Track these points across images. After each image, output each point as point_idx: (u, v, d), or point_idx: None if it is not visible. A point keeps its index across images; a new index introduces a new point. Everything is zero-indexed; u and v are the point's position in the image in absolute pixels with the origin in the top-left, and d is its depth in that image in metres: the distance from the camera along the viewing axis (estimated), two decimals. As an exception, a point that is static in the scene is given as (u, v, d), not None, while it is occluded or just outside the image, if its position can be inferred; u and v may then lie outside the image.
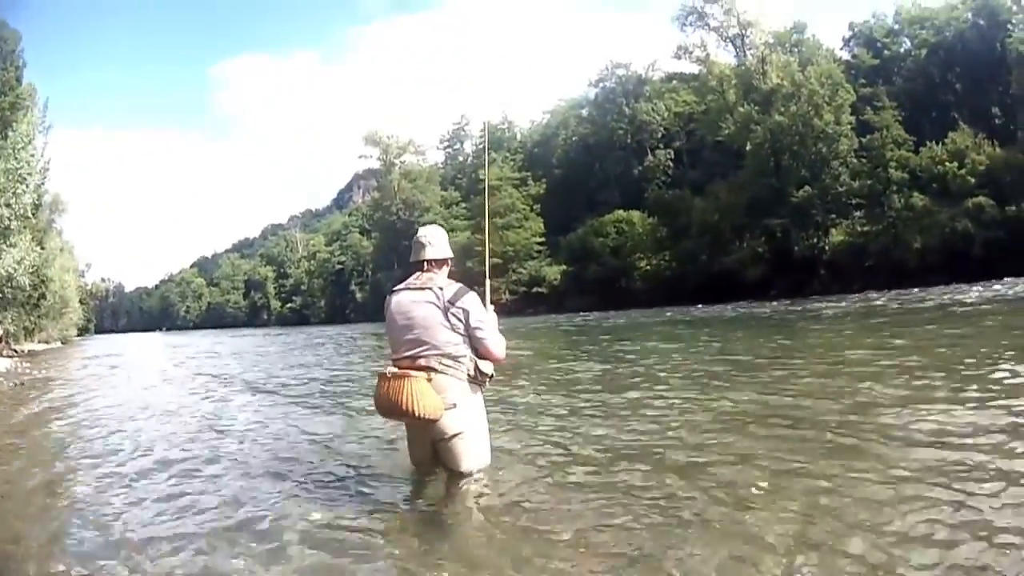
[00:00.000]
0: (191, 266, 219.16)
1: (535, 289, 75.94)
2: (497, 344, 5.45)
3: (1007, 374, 8.33)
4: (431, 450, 5.47)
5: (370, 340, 34.52)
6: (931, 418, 6.37)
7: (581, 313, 51.85)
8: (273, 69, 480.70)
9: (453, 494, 5.21)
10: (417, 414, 5.03)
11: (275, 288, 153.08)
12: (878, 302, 30.24)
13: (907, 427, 6.18)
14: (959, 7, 60.76)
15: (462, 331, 5.27)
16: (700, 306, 44.72)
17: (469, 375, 5.30)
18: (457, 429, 5.24)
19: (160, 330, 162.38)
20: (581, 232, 74.00)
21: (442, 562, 4.02)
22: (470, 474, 5.38)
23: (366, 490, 5.63)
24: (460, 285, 5.35)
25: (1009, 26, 54.43)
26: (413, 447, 5.66)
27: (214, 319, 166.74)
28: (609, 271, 67.99)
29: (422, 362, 5.21)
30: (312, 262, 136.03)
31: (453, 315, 5.21)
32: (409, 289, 5.40)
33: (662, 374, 12.11)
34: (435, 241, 5.51)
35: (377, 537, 4.51)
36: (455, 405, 5.17)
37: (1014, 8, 55.79)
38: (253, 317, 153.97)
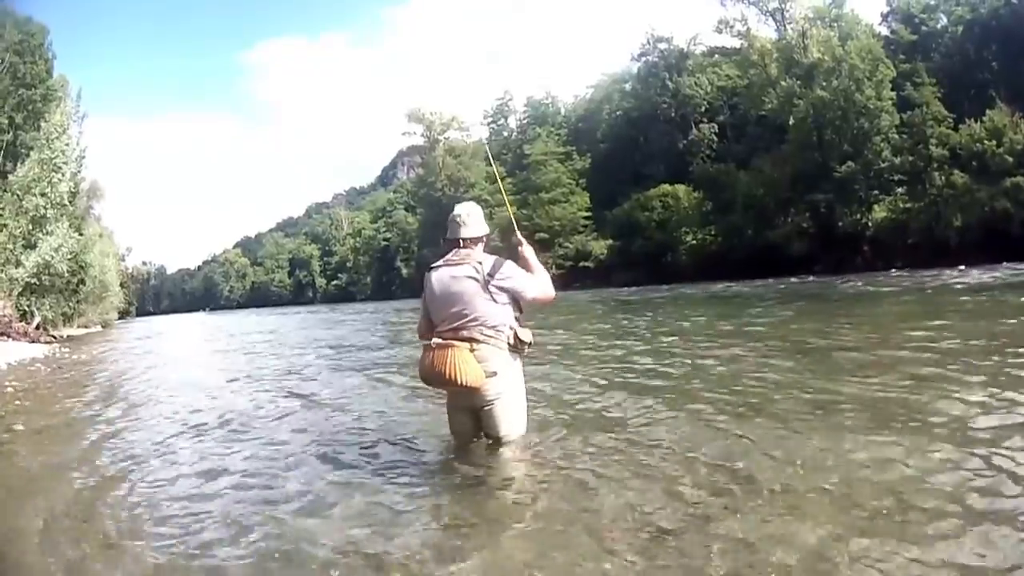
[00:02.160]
0: (234, 246, 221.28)
1: (582, 263, 76.67)
2: (543, 287, 5.73)
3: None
4: (471, 419, 5.74)
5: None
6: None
7: (627, 288, 52.42)
8: (309, 52, 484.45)
9: (491, 463, 5.50)
10: (461, 382, 5.31)
11: (320, 266, 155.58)
12: (933, 281, 28.34)
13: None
14: None
15: (504, 301, 5.50)
16: (756, 281, 44.54)
17: (509, 344, 5.55)
18: (497, 394, 5.51)
19: (204, 310, 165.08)
20: (627, 206, 74.18)
21: (473, 531, 4.25)
22: (508, 439, 5.66)
23: (406, 457, 6.08)
24: (496, 257, 5.60)
25: None
26: (454, 417, 5.90)
27: (259, 298, 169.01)
28: (655, 246, 68.31)
29: (464, 333, 5.46)
30: (357, 239, 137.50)
31: (494, 287, 5.43)
32: (448, 265, 5.62)
33: (706, 347, 12.25)
34: (471, 220, 5.70)
35: (414, 504, 4.81)
36: (496, 373, 5.45)
37: None
38: (298, 295, 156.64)
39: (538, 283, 5.72)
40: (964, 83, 57.91)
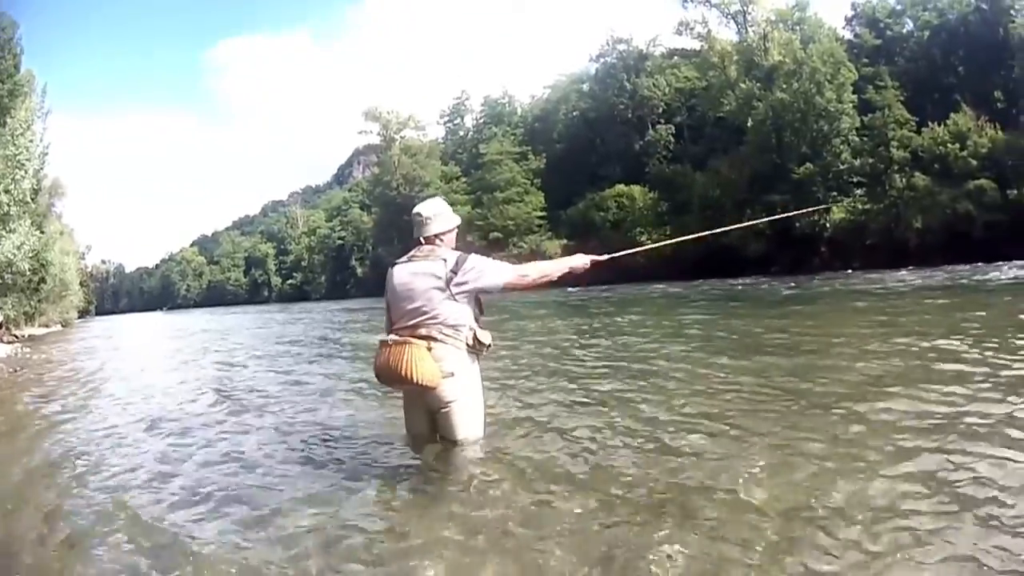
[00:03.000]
0: (191, 245, 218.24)
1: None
2: (520, 269, 5.59)
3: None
4: (428, 420, 5.55)
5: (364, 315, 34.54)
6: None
7: (579, 288, 50.66)
8: (270, 49, 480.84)
9: (447, 466, 5.27)
10: (415, 380, 5.11)
11: (276, 265, 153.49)
12: (884, 281, 28.82)
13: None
14: None
15: (465, 300, 5.36)
16: (711, 280, 44.80)
17: (468, 344, 5.38)
18: (454, 397, 5.33)
19: (161, 310, 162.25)
20: (582, 206, 73.70)
21: (429, 539, 4.02)
22: (465, 443, 5.46)
23: (359, 459, 5.80)
24: (460, 253, 5.43)
25: (1012, 11, 53.55)
26: (410, 416, 5.74)
27: (215, 297, 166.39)
28: (609, 245, 64.25)
29: (422, 331, 5.28)
30: (312, 238, 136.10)
31: (456, 285, 5.28)
32: (412, 261, 5.48)
33: (664, 350, 11.91)
34: (434, 216, 5.57)
35: (366, 508, 4.63)
36: (453, 374, 5.26)
37: None
38: (254, 294, 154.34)
39: (508, 269, 5.55)
40: (928, 87, 58.21)
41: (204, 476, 5.61)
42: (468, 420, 5.46)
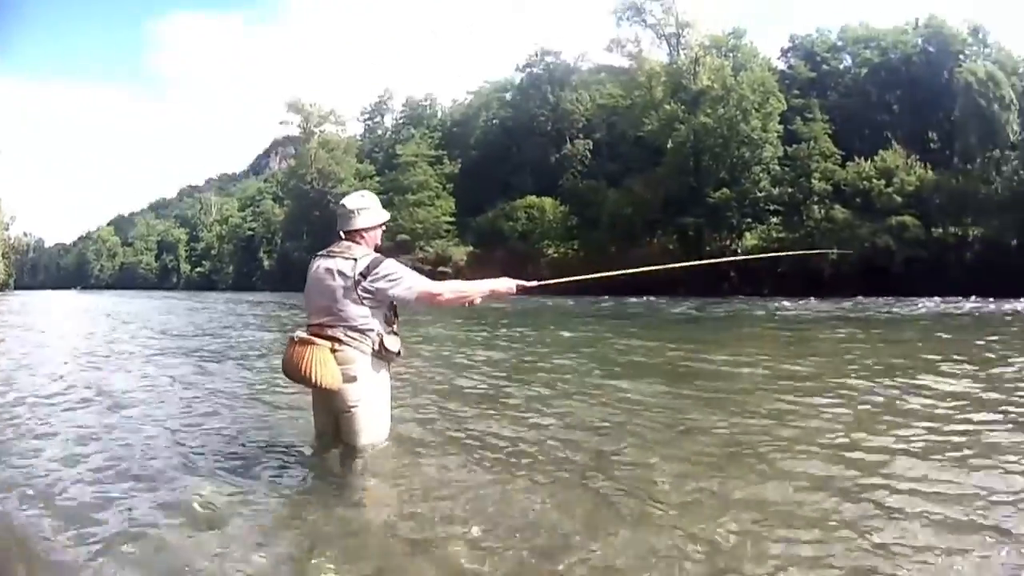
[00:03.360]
0: (108, 224, 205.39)
1: (440, 268, 69.65)
2: (432, 285, 5.22)
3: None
4: (332, 421, 5.35)
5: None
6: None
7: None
8: (206, 29, 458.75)
9: (347, 471, 5.12)
10: (316, 381, 4.92)
11: (186, 251, 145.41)
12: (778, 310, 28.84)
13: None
14: (909, 32, 59.26)
15: (373, 303, 5.09)
16: (607, 298, 42.15)
17: (374, 350, 5.11)
18: (355, 402, 5.12)
19: (76, 288, 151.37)
20: (491, 215, 70.57)
21: (323, 546, 3.85)
22: (365, 450, 5.25)
23: (263, 458, 5.57)
24: (375, 255, 5.14)
25: (961, 56, 52.77)
26: (317, 416, 5.54)
27: (126, 280, 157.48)
28: (516, 256, 63.88)
29: (329, 332, 5.05)
30: (224, 227, 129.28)
31: (365, 288, 5.02)
32: (330, 256, 5.21)
33: (568, 364, 11.98)
34: (359, 210, 5.27)
35: (258, 510, 4.39)
36: (356, 378, 5.05)
37: (969, 40, 54.52)
38: (163, 279, 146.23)
39: (423, 283, 5.22)
40: (859, 123, 57.31)
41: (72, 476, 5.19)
42: (369, 426, 5.27)
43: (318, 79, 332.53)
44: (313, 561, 3.64)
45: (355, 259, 5.04)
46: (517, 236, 66.88)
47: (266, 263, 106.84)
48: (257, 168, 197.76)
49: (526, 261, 62.71)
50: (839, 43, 64.33)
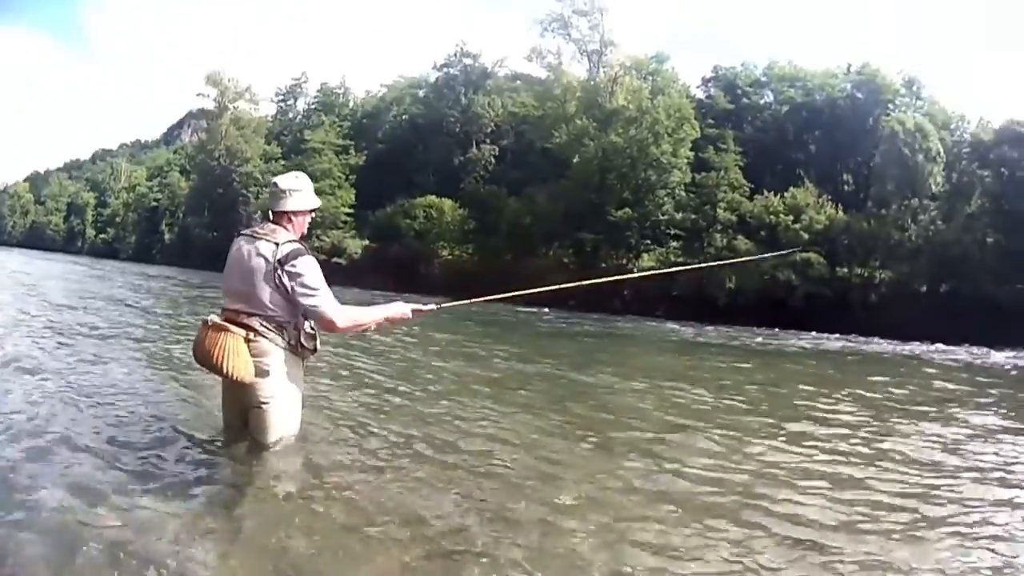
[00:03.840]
0: (24, 180, 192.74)
1: (335, 259, 66.13)
2: (334, 311, 4.81)
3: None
4: (240, 415, 5.00)
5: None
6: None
7: (376, 291, 44.27)
8: None
9: (254, 468, 4.81)
10: (227, 371, 4.58)
11: (93, 216, 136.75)
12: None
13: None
14: (839, 76, 58.10)
15: (288, 295, 4.71)
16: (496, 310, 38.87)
17: (290, 344, 4.83)
18: (266, 397, 4.79)
19: None
20: (390, 210, 66.99)
21: (226, 546, 3.71)
22: (273, 447, 4.94)
23: (165, 452, 5.15)
24: (297, 245, 4.78)
25: (891, 105, 51.55)
26: (225, 407, 5.21)
27: (34, 239, 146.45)
28: (411, 254, 61.91)
29: (244, 319, 4.71)
30: (131, 195, 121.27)
31: (280, 277, 4.64)
32: (253, 237, 4.81)
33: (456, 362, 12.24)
34: (291, 191, 4.91)
35: (157, 509, 4.06)
36: (269, 372, 4.73)
37: (902, 91, 53.61)
38: (69, 243, 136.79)
39: (331, 302, 4.82)
40: (772, 158, 55.93)
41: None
42: (278, 423, 4.94)
43: (240, 54, 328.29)
44: (212, 562, 3.45)
45: (277, 244, 4.64)
46: (413, 235, 63.84)
47: (167, 236, 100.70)
48: (169, 138, 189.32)
49: (420, 259, 61.27)
50: (763, 79, 62.41)
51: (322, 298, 4.74)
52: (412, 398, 8.36)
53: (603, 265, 49.72)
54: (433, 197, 65.25)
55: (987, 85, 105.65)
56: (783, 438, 7.86)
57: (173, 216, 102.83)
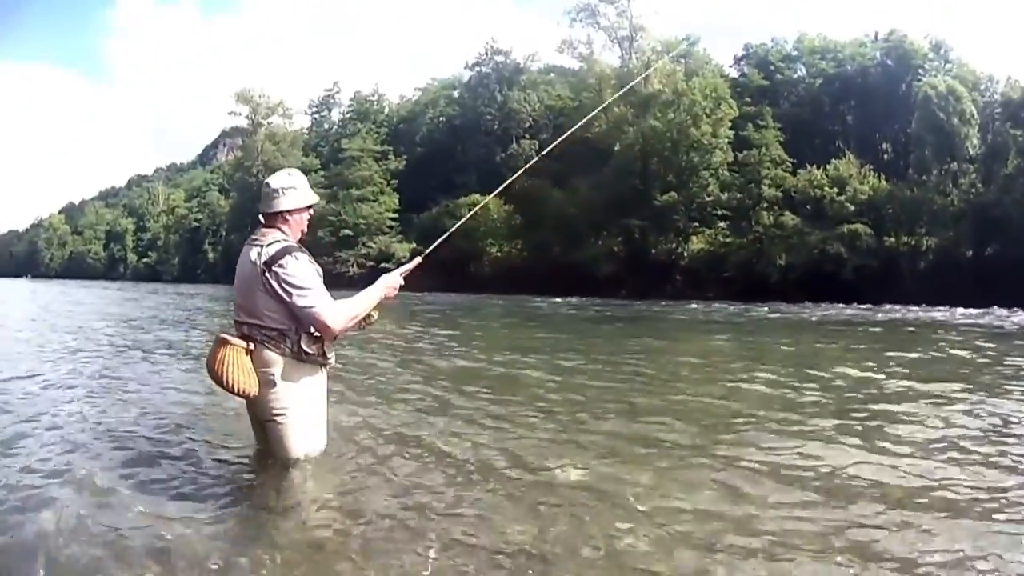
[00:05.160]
0: (59, 212, 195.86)
1: (383, 264, 66.72)
2: (327, 310, 4.41)
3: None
4: (262, 429, 4.76)
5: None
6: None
7: (427, 293, 45.39)
8: (160, 15, 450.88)
9: (278, 488, 4.45)
10: (229, 385, 4.34)
11: (133, 241, 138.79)
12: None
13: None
14: (868, 45, 58.53)
15: (281, 299, 4.38)
16: (541, 298, 40.46)
17: (292, 351, 4.44)
18: (276, 411, 4.50)
19: (26, 277, 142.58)
20: (435, 212, 67.50)
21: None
22: (293, 463, 4.61)
23: (197, 472, 4.87)
24: (283, 245, 4.42)
25: (920, 70, 51.61)
26: (252, 424, 4.89)
27: (75, 269, 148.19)
28: (459, 254, 60.97)
29: (245, 330, 4.47)
30: (171, 217, 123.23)
31: (268, 280, 4.35)
32: (251, 244, 4.53)
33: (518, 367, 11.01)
34: (283, 189, 4.58)
35: (174, 532, 3.77)
36: (275, 383, 4.43)
37: (931, 55, 53.19)
38: (111, 269, 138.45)
39: (324, 302, 4.43)
40: (811, 132, 56.02)
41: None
42: (296, 438, 4.60)
43: (269, 71, 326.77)
44: None
45: (263, 246, 4.38)
46: (461, 234, 62.90)
47: (211, 255, 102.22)
48: (205, 159, 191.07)
49: (468, 259, 61.71)
50: (794, 53, 62.78)
51: (313, 297, 4.39)
52: (468, 404, 7.49)
53: (652, 251, 50.35)
54: (477, 196, 63.90)
55: (1012, 44, 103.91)
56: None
57: (215, 235, 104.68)
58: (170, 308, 29.18)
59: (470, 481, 4.71)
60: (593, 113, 14.81)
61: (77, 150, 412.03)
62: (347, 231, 72.48)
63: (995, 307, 28.61)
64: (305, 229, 4.74)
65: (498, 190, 8.05)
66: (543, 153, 8.20)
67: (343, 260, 68.98)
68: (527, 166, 8.28)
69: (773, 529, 3.89)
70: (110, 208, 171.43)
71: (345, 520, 3.98)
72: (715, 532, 3.84)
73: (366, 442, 5.62)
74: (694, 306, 33.56)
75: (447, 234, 6.15)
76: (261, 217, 4.59)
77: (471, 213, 7.18)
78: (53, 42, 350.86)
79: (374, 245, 71.62)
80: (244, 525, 3.97)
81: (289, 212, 4.58)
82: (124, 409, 7.02)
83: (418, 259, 5.20)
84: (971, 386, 8.89)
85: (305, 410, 4.60)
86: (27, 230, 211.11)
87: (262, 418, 4.60)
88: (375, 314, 4.79)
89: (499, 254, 61.48)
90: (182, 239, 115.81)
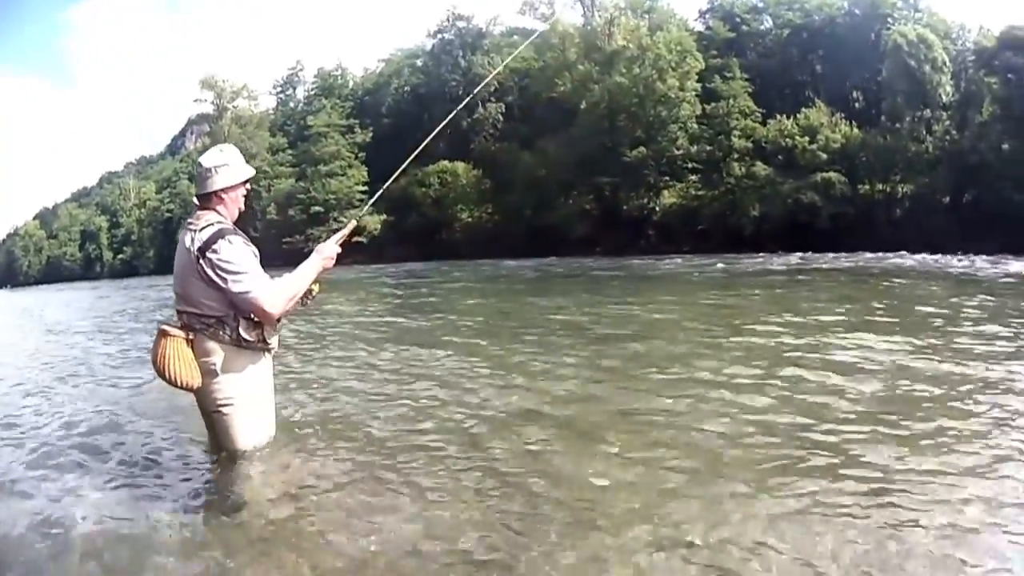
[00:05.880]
0: (34, 218, 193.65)
1: (355, 239, 67.92)
2: (264, 293, 4.25)
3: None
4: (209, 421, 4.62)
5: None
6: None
7: (400, 263, 49.28)
8: (123, 10, 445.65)
9: (225, 482, 4.38)
10: (170, 378, 4.20)
11: (108, 239, 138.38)
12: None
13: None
14: None
15: (217, 285, 4.22)
16: (510, 261, 41.18)
17: (231, 339, 4.30)
18: (220, 401, 4.38)
19: (5, 288, 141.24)
20: (404, 182, 64.66)
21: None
22: (238, 454, 4.50)
23: (141, 471, 4.79)
24: (216, 229, 4.25)
25: (889, 19, 50.78)
26: (203, 416, 4.66)
27: (53, 274, 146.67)
28: (429, 222, 63.19)
29: (184, 319, 4.35)
30: (143, 210, 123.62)
31: (203, 267, 4.19)
32: (184, 230, 4.40)
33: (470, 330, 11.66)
34: (216, 167, 4.38)
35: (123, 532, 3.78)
36: (217, 373, 4.29)
37: (899, 4, 52.10)
38: (87, 270, 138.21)
39: (258, 284, 4.27)
40: (780, 82, 56.52)
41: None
42: (240, 428, 4.47)
43: (231, 55, 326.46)
44: None
45: (195, 231, 4.22)
46: (430, 202, 64.56)
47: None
48: (174, 148, 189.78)
49: (439, 226, 62.55)
50: (760, 4, 62.27)
51: (249, 282, 4.22)
52: (421, 390, 6.95)
53: (624, 208, 50.62)
54: (445, 162, 65.71)
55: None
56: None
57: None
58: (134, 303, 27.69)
59: (419, 469, 4.58)
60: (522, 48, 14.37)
61: (47, 155, 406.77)
62: (317, 208, 72.40)
63: (981, 255, 27.59)
64: (242, 206, 4.58)
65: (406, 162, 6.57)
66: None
67: (315, 237, 68.15)
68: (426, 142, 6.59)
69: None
70: (83, 208, 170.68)
71: (292, 512, 3.92)
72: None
73: (313, 431, 5.46)
74: (678, 261, 33.42)
75: (380, 192, 6.45)
76: (195, 199, 4.46)
77: (407, 162, 6.33)
78: (6, 50, 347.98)
79: (345, 219, 69.52)
80: (190, 521, 3.89)
81: (224, 191, 4.42)
82: (70, 403, 7.03)
83: (352, 223, 5.05)
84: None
85: (250, 399, 4.50)
86: (3, 241, 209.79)
87: (208, 409, 4.50)
88: (315, 288, 4.65)
89: (470, 219, 61.46)
90: (156, 231, 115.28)
